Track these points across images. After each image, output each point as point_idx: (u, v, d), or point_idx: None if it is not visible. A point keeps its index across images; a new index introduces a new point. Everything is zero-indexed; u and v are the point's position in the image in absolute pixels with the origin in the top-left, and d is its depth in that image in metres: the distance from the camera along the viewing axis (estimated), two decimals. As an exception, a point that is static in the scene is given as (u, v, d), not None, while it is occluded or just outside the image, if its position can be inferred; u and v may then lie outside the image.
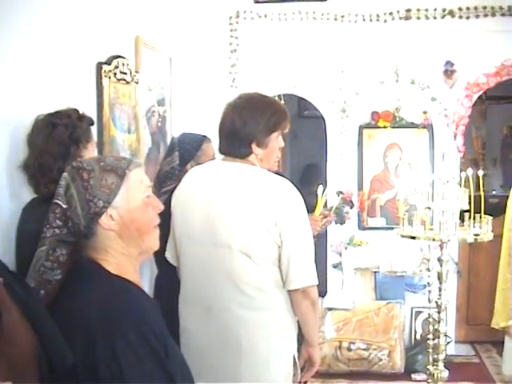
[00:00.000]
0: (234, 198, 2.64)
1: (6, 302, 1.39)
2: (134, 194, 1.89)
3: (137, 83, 3.72)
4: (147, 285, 3.67)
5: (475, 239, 3.79)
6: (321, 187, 3.59)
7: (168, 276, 3.10)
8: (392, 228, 5.18)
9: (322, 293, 5.58)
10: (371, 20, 5.69)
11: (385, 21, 5.66)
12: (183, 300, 2.85)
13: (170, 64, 4.48)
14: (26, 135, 2.56)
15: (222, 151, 2.80)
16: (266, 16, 5.70)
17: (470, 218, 3.83)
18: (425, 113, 5.76)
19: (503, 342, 5.24)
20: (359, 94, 5.71)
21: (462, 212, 3.85)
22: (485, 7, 5.51)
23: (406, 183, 5.65)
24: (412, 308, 5.77)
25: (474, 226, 3.82)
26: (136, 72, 3.73)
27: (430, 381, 4.06)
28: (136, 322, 1.75)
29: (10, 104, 2.47)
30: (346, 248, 5.81)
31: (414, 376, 5.39)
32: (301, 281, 2.66)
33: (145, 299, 1.90)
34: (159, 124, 4.24)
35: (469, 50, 5.57)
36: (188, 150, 3.47)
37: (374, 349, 5.44)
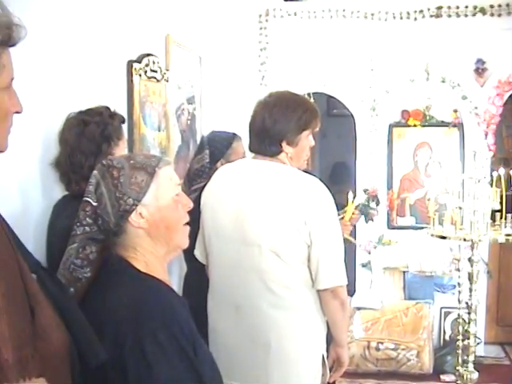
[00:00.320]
0: (263, 197, 2.63)
1: (39, 298, 1.40)
2: (164, 191, 1.89)
3: (167, 81, 3.73)
4: (176, 282, 3.68)
5: (507, 239, 3.75)
6: (351, 193, 3.58)
7: (197, 274, 3.10)
8: (421, 227, 5.16)
9: (351, 292, 5.55)
10: (401, 18, 5.64)
11: (415, 19, 5.62)
12: (212, 298, 2.85)
13: (199, 62, 4.49)
14: (58, 133, 2.58)
15: (252, 149, 2.80)
16: (295, 14, 5.69)
17: (501, 217, 3.80)
18: (455, 111, 5.70)
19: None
20: (389, 92, 5.67)
21: (494, 212, 3.81)
22: (517, 4, 5.45)
23: (436, 182, 5.61)
24: (441, 308, 5.73)
25: (506, 226, 3.78)
26: (166, 70, 3.74)
27: (459, 382, 4.04)
28: (165, 320, 1.75)
29: (43, 102, 2.48)
30: (375, 247, 5.78)
31: (442, 377, 5.34)
32: (330, 281, 2.65)
33: (174, 297, 1.89)
34: (189, 122, 4.25)
35: (500, 48, 5.50)
36: (218, 148, 3.47)
37: (403, 349, 5.40)
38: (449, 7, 5.55)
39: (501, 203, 3.76)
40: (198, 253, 2.93)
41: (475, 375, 4.00)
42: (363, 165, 5.78)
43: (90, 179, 1.88)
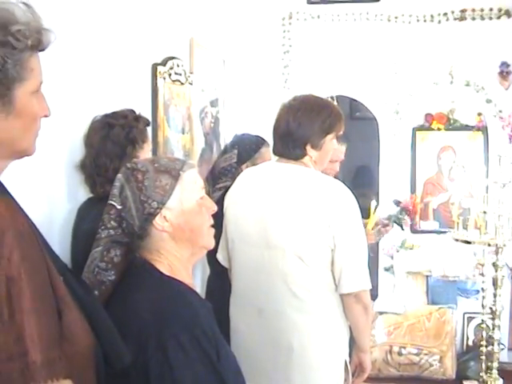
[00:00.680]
0: (287, 200, 2.63)
1: (66, 301, 1.40)
2: (188, 195, 1.89)
3: (191, 84, 3.74)
4: (199, 285, 3.69)
5: (532, 245, 3.72)
6: (374, 202, 3.57)
7: (220, 277, 3.10)
8: (445, 232, 5.12)
9: (374, 296, 5.52)
10: (425, 21, 5.61)
11: (439, 21, 5.58)
12: (234, 301, 2.84)
13: (223, 65, 4.50)
14: (83, 136, 2.59)
15: (276, 153, 2.80)
16: (318, 17, 5.67)
17: (526, 222, 3.76)
18: (479, 115, 5.65)
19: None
20: (413, 95, 5.63)
21: (519, 216, 3.78)
22: (543, 7, 5.40)
23: (460, 186, 5.57)
24: (464, 313, 5.68)
25: (531, 231, 3.75)
26: (190, 73, 3.76)
27: (482, 388, 4.00)
28: (188, 323, 1.75)
29: (68, 105, 2.50)
30: (397, 251, 5.75)
31: (465, 383, 5.29)
32: (353, 285, 2.64)
33: (197, 301, 1.89)
34: (212, 125, 4.26)
35: (525, 51, 5.46)
36: (246, 151, 3.48)
37: (425, 354, 5.37)
38: (473, 10, 5.51)
39: (526, 208, 3.72)
40: (220, 256, 2.93)
41: (499, 382, 3.96)
42: (386, 168, 5.76)
43: (115, 182, 1.89)
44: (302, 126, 2.68)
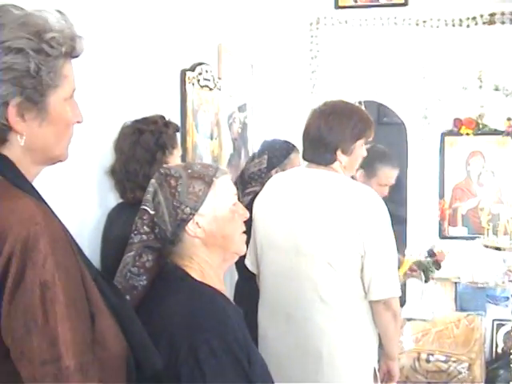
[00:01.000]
0: (317, 206, 2.62)
1: (99, 305, 1.41)
2: (221, 201, 1.89)
3: (219, 89, 3.75)
4: (227, 290, 3.68)
5: None
6: (408, 251, 3.57)
7: (248, 282, 3.10)
8: (473, 238, 5.08)
9: (402, 302, 5.48)
10: (454, 25, 5.57)
11: (468, 26, 5.54)
12: (262, 307, 2.84)
13: (251, 70, 4.50)
14: (114, 141, 2.61)
15: (306, 158, 2.79)
16: (346, 22, 5.66)
17: (557, 229, 3.72)
18: (509, 120, 5.59)
19: None
20: (441, 100, 5.60)
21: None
22: None
23: (489, 192, 5.52)
24: (493, 320, 5.62)
25: (562, 238, 3.70)
26: (218, 78, 3.77)
27: (513, 397, 3.96)
28: (220, 329, 1.75)
29: (98, 111, 2.52)
30: (426, 257, 5.70)
31: (494, 391, 5.25)
32: (383, 292, 2.62)
33: (229, 306, 1.89)
34: (240, 130, 4.27)
35: (555, 55, 5.40)
36: (277, 156, 3.47)
37: (454, 361, 5.32)
38: (502, 13, 5.46)
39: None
40: (248, 262, 2.92)
41: (529, 390, 3.92)
42: (415, 174, 5.72)
43: (148, 188, 1.90)
44: (333, 130, 2.68)
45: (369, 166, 3.56)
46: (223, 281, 1.99)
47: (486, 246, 3.87)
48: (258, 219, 2.80)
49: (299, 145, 3.36)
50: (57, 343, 1.26)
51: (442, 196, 5.71)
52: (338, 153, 2.69)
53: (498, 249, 3.81)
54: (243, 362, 1.75)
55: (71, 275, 1.33)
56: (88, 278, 1.41)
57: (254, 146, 4.27)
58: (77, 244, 1.45)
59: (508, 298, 5.06)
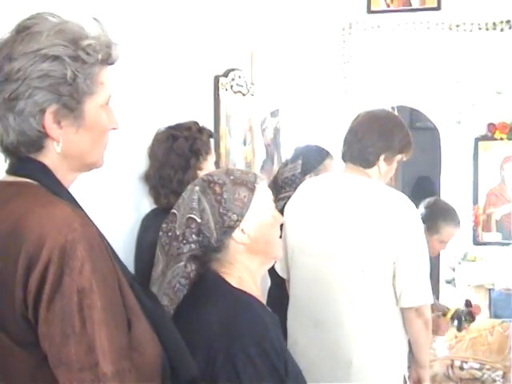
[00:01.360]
0: (350, 211, 2.61)
1: (135, 311, 1.41)
2: (264, 207, 1.90)
3: (252, 95, 3.75)
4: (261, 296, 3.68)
5: None
6: (455, 304, 3.57)
7: (280, 288, 3.09)
8: (508, 243, 5.02)
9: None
10: (487, 29, 5.52)
11: (501, 29, 5.49)
12: (292, 313, 2.82)
13: (283, 75, 4.50)
14: (148, 147, 2.62)
15: (346, 157, 2.76)
16: (378, 27, 5.64)
17: None
18: (543, 124, 5.54)
19: None
20: (475, 104, 5.55)
21: None
22: None
23: (524, 198, 5.46)
24: (528, 327, 5.56)
25: None
26: (251, 84, 3.77)
27: (549, 405, 3.90)
28: (257, 337, 1.74)
29: (132, 117, 2.54)
30: (459, 263, 5.65)
31: (529, 400, 5.17)
32: (415, 299, 2.60)
33: (266, 314, 1.88)
34: (273, 136, 4.26)
35: None
36: (311, 162, 3.46)
37: (488, 369, 5.24)
38: (537, 17, 5.41)
39: None
40: (278, 267, 2.91)
41: None
42: (448, 179, 5.68)
43: (192, 195, 1.87)
44: (384, 135, 2.69)
45: (431, 222, 3.56)
46: (260, 287, 1.99)
47: (522, 253, 3.82)
48: (290, 224, 2.78)
49: (332, 150, 3.36)
50: (94, 350, 1.26)
51: (475, 201, 5.66)
52: (381, 158, 2.68)
53: (533, 255, 3.75)
54: (280, 370, 1.74)
55: (108, 281, 1.33)
56: (124, 283, 1.41)
57: (286, 152, 4.26)
58: (113, 250, 1.46)
59: (543, 305, 4.99)
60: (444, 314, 3.51)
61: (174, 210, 1.92)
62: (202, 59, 3.19)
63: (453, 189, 5.63)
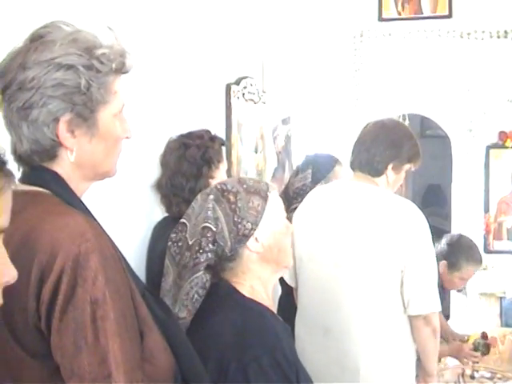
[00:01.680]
0: (358, 219, 2.62)
1: (148, 322, 1.41)
2: (276, 215, 1.90)
3: (264, 103, 3.76)
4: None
5: None
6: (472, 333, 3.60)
7: (290, 296, 3.09)
8: (519, 252, 4.99)
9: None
10: (499, 37, 5.50)
11: (513, 38, 5.47)
12: (300, 321, 2.82)
13: (294, 83, 4.50)
14: (160, 156, 2.63)
15: (355, 165, 2.77)
16: (390, 34, 5.62)
17: None
18: (555, 132, 5.51)
19: None
20: (486, 113, 5.52)
21: None
22: None
23: (536, 206, 5.43)
24: (540, 337, 5.52)
25: None
26: (263, 92, 3.77)
27: (561, 416, 3.87)
28: (269, 346, 1.74)
29: (144, 126, 2.54)
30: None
31: (541, 410, 5.13)
32: (423, 307, 2.60)
33: (277, 323, 1.88)
34: (284, 144, 4.26)
35: None
36: (320, 170, 3.46)
37: (499, 378, 5.19)
38: (549, 25, 5.39)
39: None
40: (286, 275, 2.90)
41: None
42: (459, 187, 5.65)
43: (206, 204, 1.85)
44: (393, 144, 2.72)
45: (453, 260, 3.57)
46: (271, 296, 1.98)
47: (534, 262, 3.80)
48: (298, 232, 2.78)
49: (343, 158, 3.35)
50: (107, 361, 1.26)
51: (487, 210, 5.63)
52: (389, 167, 2.71)
53: (545, 264, 3.73)
54: (292, 379, 1.74)
55: (121, 292, 1.33)
56: (137, 294, 1.41)
57: (297, 160, 4.25)
58: (125, 259, 1.46)
59: (555, 315, 4.95)
60: (462, 341, 3.53)
61: (183, 220, 1.91)
62: (213, 67, 3.19)
63: (464, 197, 5.60)
